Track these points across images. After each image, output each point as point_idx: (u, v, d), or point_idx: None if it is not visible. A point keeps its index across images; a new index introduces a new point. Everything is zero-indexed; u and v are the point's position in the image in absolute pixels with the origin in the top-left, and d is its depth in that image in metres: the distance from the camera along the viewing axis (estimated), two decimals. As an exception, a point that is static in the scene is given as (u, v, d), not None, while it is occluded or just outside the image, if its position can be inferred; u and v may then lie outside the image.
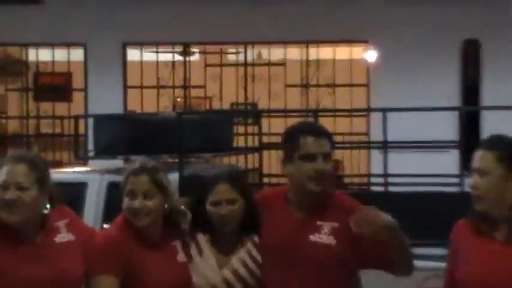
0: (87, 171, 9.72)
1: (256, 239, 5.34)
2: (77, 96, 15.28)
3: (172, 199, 5.30)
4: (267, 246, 5.34)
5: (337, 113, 13.82)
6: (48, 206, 5.25)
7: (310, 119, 12.60)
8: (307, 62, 14.70)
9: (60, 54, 15.36)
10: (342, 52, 14.77)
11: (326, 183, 5.23)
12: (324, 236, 5.26)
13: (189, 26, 13.89)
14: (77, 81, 15.30)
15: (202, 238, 5.33)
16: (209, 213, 5.27)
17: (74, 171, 9.65)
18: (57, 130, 15.74)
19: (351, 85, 14.49)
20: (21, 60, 16.06)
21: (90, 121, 11.11)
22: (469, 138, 11.94)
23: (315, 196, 5.26)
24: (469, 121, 12.69)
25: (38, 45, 15.36)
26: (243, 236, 5.37)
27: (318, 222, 5.26)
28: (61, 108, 15.63)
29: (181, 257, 5.29)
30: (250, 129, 13.57)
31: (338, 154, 14.63)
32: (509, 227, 4.86)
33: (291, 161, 5.22)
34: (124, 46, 14.67)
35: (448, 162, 11.43)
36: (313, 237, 5.26)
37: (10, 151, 15.86)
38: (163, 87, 15.14)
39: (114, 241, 5.27)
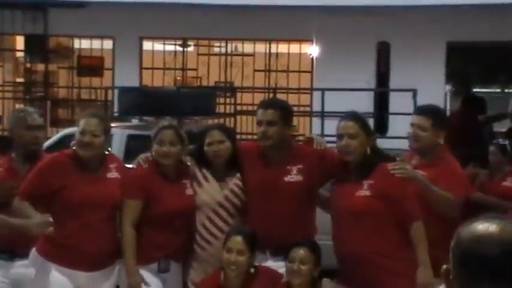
0: (113, 127, 9.82)
1: (239, 175, 5.61)
2: (107, 74, 15.33)
3: (186, 148, 5.53)
4: (251, 185, 5.58)
5: (290, 91, 13.99)
6: (109, 149, 5.61)
7: (271, 95, 12.92)
8: (270, 54, 14.81)
9: (96, 44, 15.47)
10: (294, 48, 14.86)
11: (270, 141, 5.43)
12: (294, 176, 5.49)
13: (187, 25, 13.89)
14: (108, 63, 15.36)
15: (205, 170, 5.61)
16: (206, 152, 5.54)
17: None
18: (93, 97, 15.89)
19: (299, 71, 14.61)
20: (68, 47, 16.15)
21: (116, 92, 11.38)
22: (379, 111, 12.32)
23: (269, 148, 5.47)
24: (380, 99, 12.92)
25: (80, 36, 15.42)
26: (230, 169, 5.63)
27: (288, 167, 5.52)
28: (96, 82, 15.74)
29: (189, 191, 5.58)
30: (228, 100, 13.65)
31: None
32: None
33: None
34: (141, 39, 14.72)
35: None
36: (286, 178, 5.49)
37: (60, 111, 16.00)
38: (168, 69, 15.23)
39: (140, 175, 5.57)
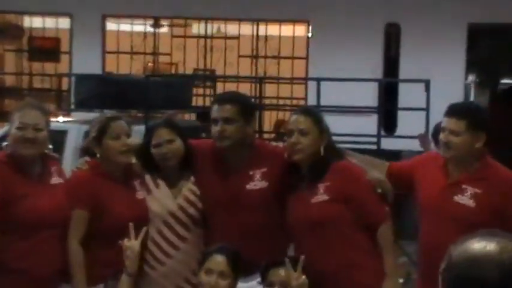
0: (68, 121, 9.74)
1: (193, 179, 5.50)
2: (64, 58, 15.19)
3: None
4: (208, 194, 5.48)
5: (280, 81, 14.05)
6: (50, 146, 5.49)
7: (258, 85, 12.88)
8: (257, 37, 14.67)
9: (50, 22, 15.30)
10: (287, 30, 14.69)
11: (227, 141, 5.31)
12: (257, 182, 5.39)
13: (160, 2, 13.84)
14: (64, 46, 15.22)
15: (154, 176, 5.49)
16: (154, 155, 5.43)
17: (57, 121, 9.49)
18: (46, 86, 15.77)
19: (292, 58, 14.48)
20: (17, 26, 16.03)
21: (73, 80, 11.28)
22: (386, 105, 12.24)
23: (227, 149, 5.37)
24: (387, 91, 12.84)
25: (31, 13, 15.31)
26: (183, 172, 5.52)
27: (250, 172, 5.42)
28: (50, 67, 15.61)
29: (140, 194, 5.47)
30: (207, 91, 13.55)
31: (280, 115, 14.82)
32: None
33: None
34: (104, 18, 14.54)
35: (370, 124, 11.51)
36: (249, 186, 5.40)
37: (7, 102, 15.97)
38: (136, 53, 15.11)
39: (84, 180, 5.44)
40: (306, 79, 13.54)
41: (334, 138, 5.55)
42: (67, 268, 5.27)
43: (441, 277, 2.28)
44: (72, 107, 10.82)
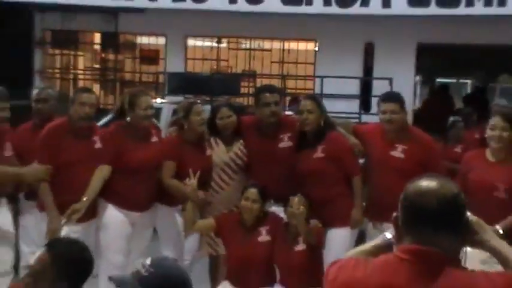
0: (162, 102, 9.75)
1: (242, 141, 5.53)
2: (161, 63, 15.09)
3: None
4: (252, 151, 5.51)
5: (298, 78, 13.98)
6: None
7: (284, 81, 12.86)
8: (283, 50, 14.51)
9: (153, 40, 15.26)
10: (301, 45, 14.54)
11: (274, 118, 5.41)
12: (286, 143, 5.44)
13: (221, 26, 13.62)
14: (161, 55, 15.15)
15: (216, 138, 5.52)
16: (218, 125, 5.46)
17: (156, 102, 9.54)
18: (150, 79, 15.52)
19: (305, 63, 14.24)
20: (133, 42, 16.03)
21: (166, 76, 11.27)
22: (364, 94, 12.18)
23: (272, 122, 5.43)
24: (365, 85, 12.76)
25: (142, 34, 15.33)
26: (234, 138, 5.55)
27: (280, 135, 5.46)
28: (153, 68, 15.51)
29: (208, 151, 5.50)
30: (251, 85, 13.65)
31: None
32: None
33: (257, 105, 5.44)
34: (185, 37, 14.47)
35: (354, 106, 11.47)
36: (281, 144, 5.45)
37: (125, 90, 16.06)
38: (206, 59, 14.93)
39: (173, 142, 5.54)
40: (314, 77, 13.40)
41: (332, 114, 5.57)
42: (156, 195, 5.39)
43: (399, 205, 2.22)
44: (166, 93, 10.67)
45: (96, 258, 5.27)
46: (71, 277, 2.71)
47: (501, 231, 4.62)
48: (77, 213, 4.97)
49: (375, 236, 5.18)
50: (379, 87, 12.12)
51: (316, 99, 5.46)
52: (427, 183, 2.18)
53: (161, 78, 13.33)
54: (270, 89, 5.75)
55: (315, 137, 5.30)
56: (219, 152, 5.51)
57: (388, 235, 2.33)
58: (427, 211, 2.12)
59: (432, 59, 16.18)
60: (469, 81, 22.38)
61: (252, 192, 5.10)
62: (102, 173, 5.13)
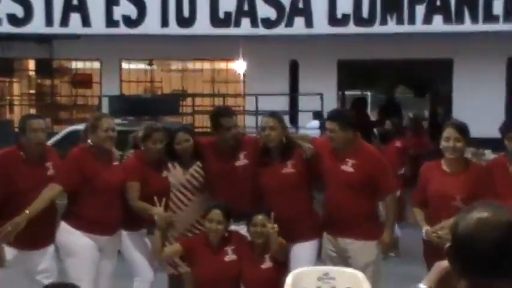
0: None
1: (199, 163, 5.24)
2: (95, 86, 14.54)
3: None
4: (210, 171, 5.18)
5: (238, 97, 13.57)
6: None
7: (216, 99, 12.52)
8: (214, 70, 14.14)
9: (87, 65, 14.69)
10: (231, 64, 14.24)
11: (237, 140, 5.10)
12: (242, 161, 5.14)
13: (151, 50, 13.26)
14: (95, 78, 14.59)
15: (173, 161, 5.22)
16: (176, 150, 5.15)
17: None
18: (85, 103, 15.05)
19: (235, 82, 14.03)
20: (67, 67, 15.36)
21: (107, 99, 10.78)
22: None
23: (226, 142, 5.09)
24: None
25: (77, 59, 14.65)
26: (192, 160, 5.25)
27: (237, 154, 5.16)
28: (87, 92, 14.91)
29: (164, 173, 5.19)
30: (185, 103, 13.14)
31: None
32: None
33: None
34: (120, 60, 14.01)
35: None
36: (238, 163, 5.14)
37: (61, 114, 15.46)
38: (140, 81, 14.45)
39: (136, 163, 5.15)
40: (244, 95, 13.14)
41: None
42: (123, 218, 5.01)
43: (451, 237, 1.76)
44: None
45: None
46: None
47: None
48: (17, 228, 4.51)
49: (328, 249, 5.14)
50: (305, 103, 12.12)
51: (278, 116, 5.16)
52: (478, 216, 1.68)
53: (97, 101, 12.85)
54: (229, 113, 5.41)
55: (282, 152, 5.02)
56: (176, 174, 5.18)
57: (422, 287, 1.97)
58: (480, 258, 1.67)
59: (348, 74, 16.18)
60: (369, 93, 22.53)
61: (216, 213, 4.76)
62: (51, 191, 4.72)
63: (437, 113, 17.43)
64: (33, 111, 14.65)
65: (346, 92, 17.93)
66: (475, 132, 4.81)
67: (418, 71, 15.49)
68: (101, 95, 13.23)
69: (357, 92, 20.81)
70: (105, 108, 10.97)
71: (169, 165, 5.20)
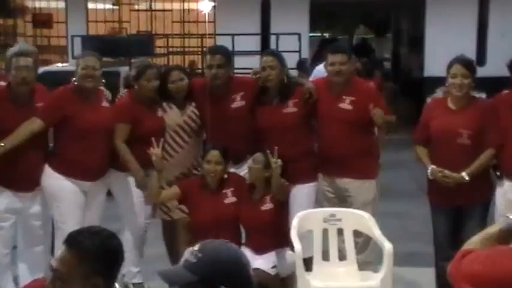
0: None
1: (194, 104, 5.02)
2: (57, 26, 13.94)
3: None
4: (207, 114, 4.96)
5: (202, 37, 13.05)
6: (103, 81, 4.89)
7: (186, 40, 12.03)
8: (183, 10, 13.69)
9: (52, 4, 14.00)
10: (200, 4, 13.69)
11: (219, 81, 4.83)
12: (238, 102, 4.93)
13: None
14: (56, 18, 13.99)
15: (168, 102, 5.00)
16: (170, 88, 4.93)
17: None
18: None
19: (206, 21, 13.38)
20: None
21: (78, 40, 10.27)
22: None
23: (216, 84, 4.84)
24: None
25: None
26: (187, 101, 5.04)
27: (232, 96, 4.94)
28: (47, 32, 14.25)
29: (159, 113, 4.97)
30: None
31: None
32: None
33: None
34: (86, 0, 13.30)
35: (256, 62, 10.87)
36: (234, 104, 4.93)
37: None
38: (108, 21, 13.94)
39: (125, 104, 4.87)
40: (214, 35, 12.48)
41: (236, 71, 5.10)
42: (108, 161, 4.81)
43: None
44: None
45: (48, 229, 4.73)
46: (104, 270, 2.22)
47: (467, 178, 4.36)
48: None
49: (325, 190, 5.10)
50: (275, 43, 11.79)
51: (278, 54, 4.93)
52: None
53: (60, 42, 12.30)
54: (212, 50, 5.15)
55: (283, 91, 4.80)
56: (172, 115, 4.94)
57: None
58: None
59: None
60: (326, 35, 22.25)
61: (214, 154, 4.57)
62: (30, 124, 4.54)
63: (399, 53, 17.35)
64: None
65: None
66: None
67: (380, 10, 15.28)
68: (67, 35, 12.62)
69: (317, 34, 20.53)
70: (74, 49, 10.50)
71: (165, 106, 4.95)
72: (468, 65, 4.45)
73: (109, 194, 5.06)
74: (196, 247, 2.04)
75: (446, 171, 4.37)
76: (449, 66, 4.48)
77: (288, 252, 4.49)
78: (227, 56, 4.90)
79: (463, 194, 4.40)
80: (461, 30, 11.93)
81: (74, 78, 4.71)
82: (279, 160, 4.41)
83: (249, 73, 5.44)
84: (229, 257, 2.03)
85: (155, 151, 4.48)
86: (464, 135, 4.38)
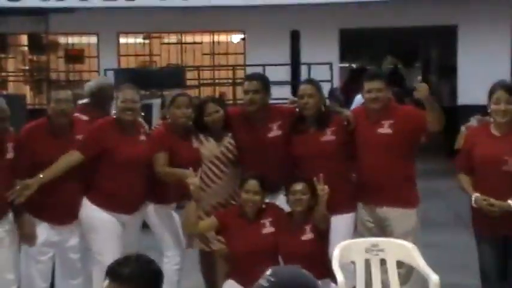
0: None
1: (230, 135, 4.96)
2: (88, 60, 14.08)
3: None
4: (243, 144, 4.90)
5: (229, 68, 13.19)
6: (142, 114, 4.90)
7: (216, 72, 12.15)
8: (213, 42, 13.77)
9: (84, 39, 14.15)
10: (231, 36, 13.86)
11: (255, 106, 4.79)
12: (275, 131, 4.86)
13: (150, 23, 12.81)
14: (88, 53, 14.11)
15: (205, 134, 4.95)
16: (207, 121, 4.88)
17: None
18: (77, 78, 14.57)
19: (236, 54, 13.63)
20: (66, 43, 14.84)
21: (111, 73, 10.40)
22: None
23: (255, 111, 4.78)
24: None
25: (73, 34, 14.15)
26: (223, 132, 4.98)
27: (269, 125, 4.88)
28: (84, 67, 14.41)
29: (195, 143, 4.93)
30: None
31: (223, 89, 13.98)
32: None
33: None
34: (118, 34, 13.56)
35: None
36: (270, 134, 4.86)
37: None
38: (139, 55, 14.04)
39: (162, 134, 4.85)
40: (246, 65, 12.67)
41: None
42: (145, 194, 4.76)
43: None
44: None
45: (86, 262, 4.67)
46: None
47: (514, 206, 4.21)
48: (28, 190, 4.36)
49: (365, 220, 4.96)
50: (306, 73, 11.81)
51: (316, 82, 4.86)
52: None
53: (92, 76, 12.39)
54: (249, 76, 5.11)
55: (320, 120, 4.72)
56: (210, 147, 4.88)
57: None
58: None
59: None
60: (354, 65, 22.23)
61: (253, 184, 4.48)
62: (69, 156, 4.52)
63: (429, 81, 17.24)
64: (26, 88, 14.27)
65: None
66: (482, 99, 4.54)
67: (408, 39, 15.18)
68: (99, 69, 12.77)
69: (345, 65, 20.52)
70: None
71: (202, 138, 4.89)
72: (511, 90, 4.32)
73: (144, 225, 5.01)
74: (269, 272, 2.03)
75: (492, 200, 4.23)
76: (491, 92, 4.36)
77: (332, 285, 4.36)
78: (264, 82, 4.85)
79: (510, 223, 4.24)
80: (494, 58, 11.80)
81: (114, 111, 4.71)
82: (326, 187, 4.32)
83: (280, 103, 5.39)
84: (301, 282, 2.00)
85: (193, 181, 4.41)
86: (509, 162, 4.24)
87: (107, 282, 2.17)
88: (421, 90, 4.35)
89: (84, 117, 4.94)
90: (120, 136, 4.61)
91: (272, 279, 1.97)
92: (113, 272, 2.18)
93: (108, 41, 13.29)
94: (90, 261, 4.69)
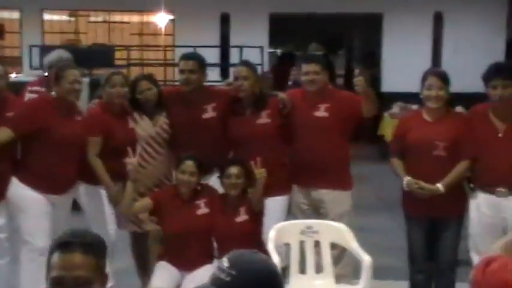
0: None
1: (165, 114, 4.88)
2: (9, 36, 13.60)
3: None
4: (177, 123, 4.82)
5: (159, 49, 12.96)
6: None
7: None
8: (142, 22, 13.48)
9: (7, 14, 13.60)
10: (157, 17, 13.57)
11: (191, 86, 4.71)
12: (210, 113, 4.80)
13: (76, 0, 12.35)
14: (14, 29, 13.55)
15: (139, 112, 4.85)
16: (139, 99, 4.79)
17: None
18: None
19: (165, 34, 13.37)
20: None
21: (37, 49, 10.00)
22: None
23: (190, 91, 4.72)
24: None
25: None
26: (157, 111, 4.89)
27: (204, 106, 4.81)
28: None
29: (130, 123, 4.81)
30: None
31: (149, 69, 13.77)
32: None
33: None
34: (42, 10, 13.00)
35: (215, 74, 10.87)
36: (205, 115, 4.80)
37: None
38: (64, 32, 13.53)
39: (96, 115, 4.67)
40: (176, 46, 12.40)
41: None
42: (77, 175, 4.62)
43: None
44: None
45: (14, 243, 4.49)
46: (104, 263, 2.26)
47: (442, 189, 4.31)
48: None
49: (300, 202, 5.00)
50: (235, 56, 11.74)
51: (251, 65, 4.82)
52: None
53: (14, 52, 11.94)
54: (185, 56, 5.02)
55: (256, 102, 4.69)
56: (144, 126, 4.78)
57: None
58: None
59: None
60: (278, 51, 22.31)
61: (189, 164, 4.42)
62: (0, 134, 4.34)
63: (352, 69, 17.46)
64: None
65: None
66: (404, 87, 4.64)
67: (334, 26, 15.32)
68: (22, 45, 12.30)
69: (271, 50, 20.54)
70: (27, 60, 10.22)
71: (137, 116, 4.78)
72: (443, 77, 4.42)
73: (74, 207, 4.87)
74: (225, 262, 1.82)
75: (422, 183, 4.32)
76: (424, 78, 4.44)
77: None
78: (200, 62, 4.78)
79: (438, 206, 4.35)
80: (417, 47, 12.08)
81: (53, 92, 4.53)
82: (264, 170, 4.30)
83: (209, 85, 5.33)
84: (267, 273, 1.84)
85: (131, 160, 4.31)
86: (440, 147, 4.33)
87: (75, 256, 2.09)
88: (359, 84, 4.39)
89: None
90: (57, 116, 4.44)
91: (233, 273, 1.77)
92: (70, 242, 2.11)
93: (32, 17, 12.76)
94: (17, 241, 4.51)
